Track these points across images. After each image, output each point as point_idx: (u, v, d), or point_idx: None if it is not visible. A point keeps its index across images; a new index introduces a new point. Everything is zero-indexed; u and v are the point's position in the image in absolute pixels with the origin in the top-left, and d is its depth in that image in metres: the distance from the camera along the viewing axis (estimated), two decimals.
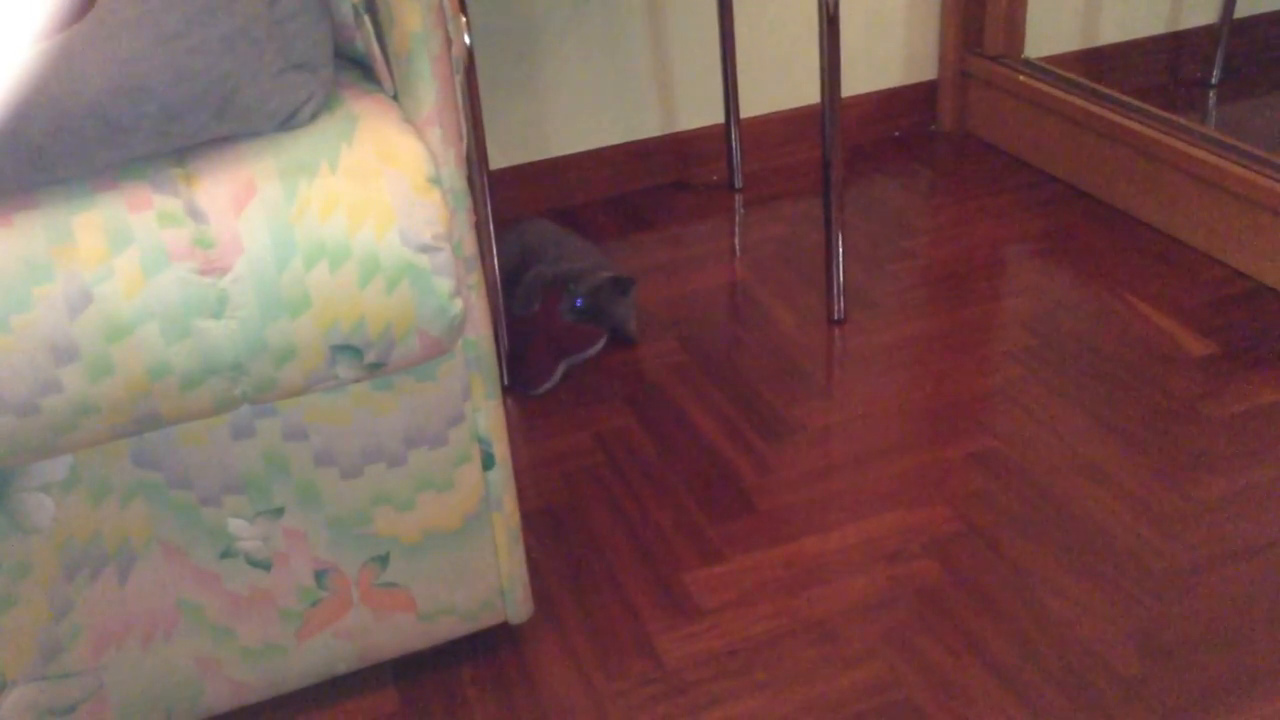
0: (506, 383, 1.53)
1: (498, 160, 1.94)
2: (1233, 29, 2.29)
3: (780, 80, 2.07)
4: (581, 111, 1.96)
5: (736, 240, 1.87)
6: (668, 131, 2.03)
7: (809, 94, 2.10)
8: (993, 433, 1.37)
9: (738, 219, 1.93)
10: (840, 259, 1.60)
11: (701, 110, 2.04)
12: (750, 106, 2.07)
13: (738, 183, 2.03)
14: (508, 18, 1.86)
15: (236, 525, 0.95)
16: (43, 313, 0.78)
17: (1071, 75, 1.97)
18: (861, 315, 1.63)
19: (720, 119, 2.05)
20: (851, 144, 2.15)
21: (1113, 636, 1.09)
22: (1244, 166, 1.63)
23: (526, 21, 1.87)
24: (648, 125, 2.01)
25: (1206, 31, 2.29)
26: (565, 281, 1.55)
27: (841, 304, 1.63)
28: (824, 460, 1.35)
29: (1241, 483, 1.27)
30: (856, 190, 1.98)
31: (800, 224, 1.89)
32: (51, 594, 0.90)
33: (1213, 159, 1.66)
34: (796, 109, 2.09)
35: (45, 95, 0.77)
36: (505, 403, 1.50)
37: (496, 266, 1.47)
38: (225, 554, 0.96)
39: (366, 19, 0.93)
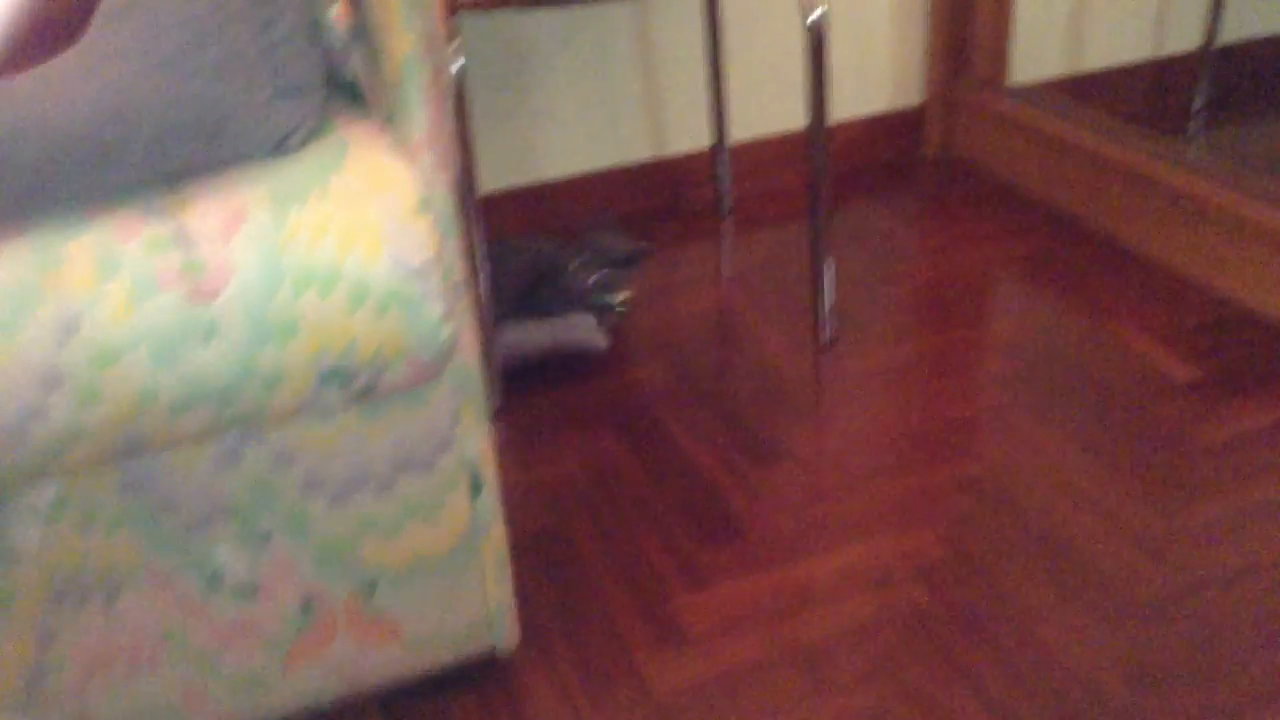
0: (497, 405, 1.53)
1: (488, 184, 1.94)
2: (1216, 55, 2.32)
3: (768, 105, 2.08)
4: (571, 135, 1.97)
5: (725, 264, 1.87)
6: (657, 156, 2.04)
7: (797, 119, 2.11)
8: (980, 458, 1.38)
9: (726, 243, 1.94)
10: (828, 284, 1.61)
11: (690, 135, 2.05)
12: (739, 131, 2.08)
13: (727, 207, 2.04)
14: (498, 43, 1.86)
15: (223, 552, 0.94)
16: (31, 339, 0.78)
17: (1056, 101, 1.99)
18: (849, 339, 1.63)
19: (709, 143, 2.06)
20: (839, 169, 2.16)
21: (1101, 663, 1.09)
22: (1225, 191, 1.64)
23: (517, 46, 1.88)
24: (637, 149, 2.02)
25: (1190, 57, 2.31)
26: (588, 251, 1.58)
27: (829, 328, 1.63)
28: (812, 485, 1.35)
29: (1228, 508, 1.28)
30: (844, 215, 1.99)
31: (788, 248, 1.90)
32: (36, 622, 0.90)
33: (1196, 184, 1.68)
34: (785, 134, 2.11)
35: (36, 121, 0.77)
36: (494, 427, 1.50)
37: (487, 290, 1.47)
38: (211, 582, 0.95)
39: (358, 45, 0.93)
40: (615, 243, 1.55)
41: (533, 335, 1.53)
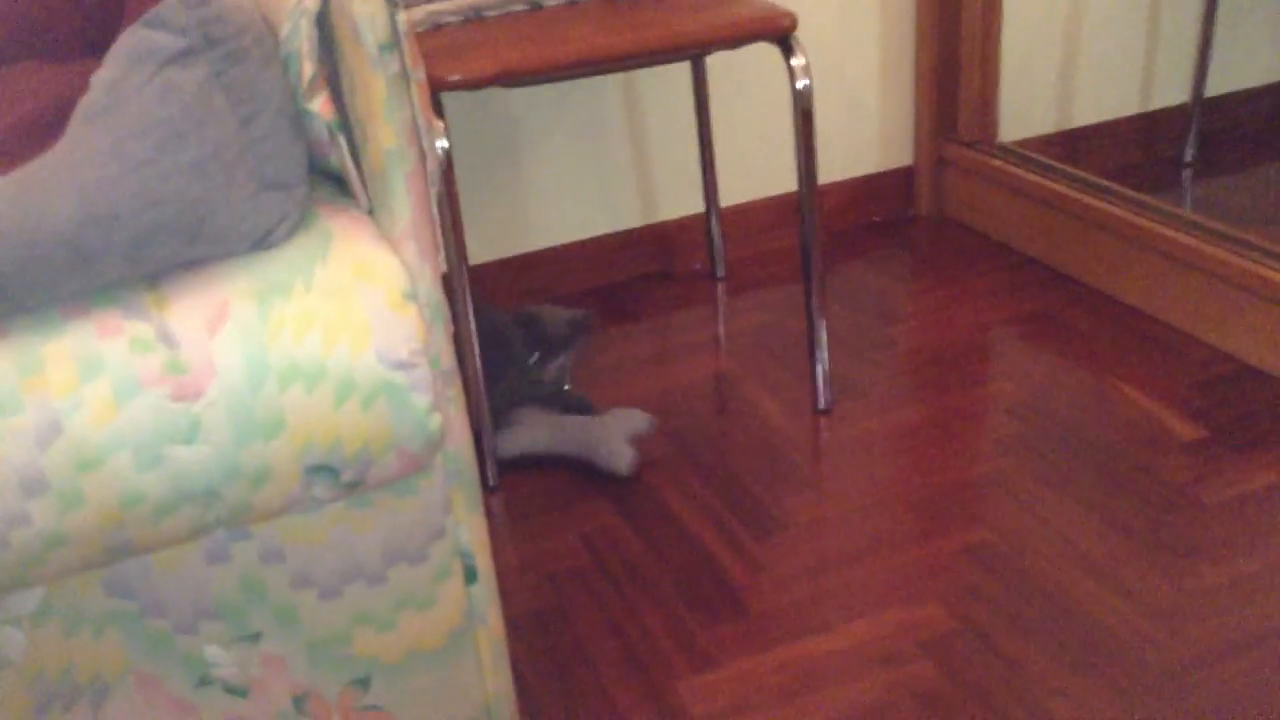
0: (491, 484, 1.51)
1: (479, 254, 1.94)
2: (1204, 107, 2.32)
3: (759, 169, 2.08)
4: (563, 204, 1.97)
5: (720, 330, 1.86)
6: (649, 222, 2.04)
7: (788, 181, 2.11)
8: (984, 524, 1.36)
9: (721, 308, 1.93)
10: (824, 348, 1.60)
11: (682, 200, 2.05)
12: (730, 195, 2.08)
13: (720, 271, 2.03)
14: (487, 115, 1.87)
15: (212, 652, 0.92)
16: (11, 446, 0.77)
17: (1045, 159, 1.99)
18: (847, 404, 1.62)
19: (701, 208, 2.06)
20: (831, 230, 2.16)
21: None
22: (1219, 246, 1.63)
23: (506, 117, 1.88)
24: (629, 216, 2.02)
25: (1178, 111, 2.32)
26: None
27: (827, 393, 1.62)
28: (815, 557, 1.33)
29: (1236, 571, 1.25)
30: (838, 276, 1.99)
31: (783, 311, 1.89)
32: None
33: (1188, 239, 1.67)
34: (776, 196, 2.11)
35: (13, 225, 0.76)
36: (489, 503, 1.48)
37: (480, 368, 1.46)
38: (201, 682, 0.93)
39: (341, 136, 0.93)
40: (555, 319, 1.55)
41: (560, 442, 1.53)
